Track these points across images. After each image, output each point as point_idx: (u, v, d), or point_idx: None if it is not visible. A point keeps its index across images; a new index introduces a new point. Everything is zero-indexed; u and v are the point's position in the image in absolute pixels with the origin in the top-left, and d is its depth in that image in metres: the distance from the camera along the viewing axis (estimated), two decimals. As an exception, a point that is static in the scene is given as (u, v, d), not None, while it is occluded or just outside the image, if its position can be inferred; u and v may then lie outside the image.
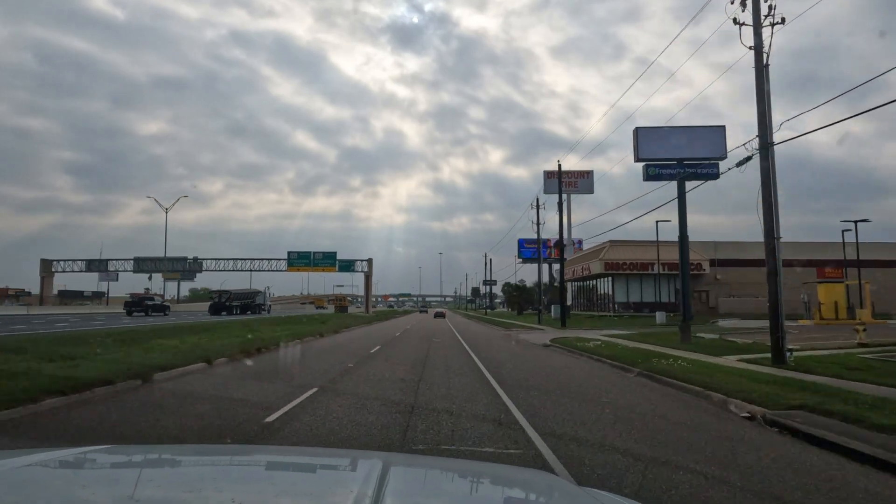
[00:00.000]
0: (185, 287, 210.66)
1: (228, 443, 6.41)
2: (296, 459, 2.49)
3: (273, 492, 1.76)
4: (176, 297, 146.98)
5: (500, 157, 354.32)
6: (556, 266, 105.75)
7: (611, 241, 49.33)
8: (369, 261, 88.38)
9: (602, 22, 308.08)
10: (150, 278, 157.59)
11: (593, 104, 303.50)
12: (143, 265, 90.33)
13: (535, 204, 55.40)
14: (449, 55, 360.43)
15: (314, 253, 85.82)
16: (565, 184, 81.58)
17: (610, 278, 47.92)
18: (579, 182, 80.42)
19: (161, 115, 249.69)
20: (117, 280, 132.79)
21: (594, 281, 53.54)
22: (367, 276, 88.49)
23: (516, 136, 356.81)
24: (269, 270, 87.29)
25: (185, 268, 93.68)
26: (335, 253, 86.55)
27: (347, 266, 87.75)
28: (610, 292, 48.54)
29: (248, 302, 67.27)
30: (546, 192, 78.27)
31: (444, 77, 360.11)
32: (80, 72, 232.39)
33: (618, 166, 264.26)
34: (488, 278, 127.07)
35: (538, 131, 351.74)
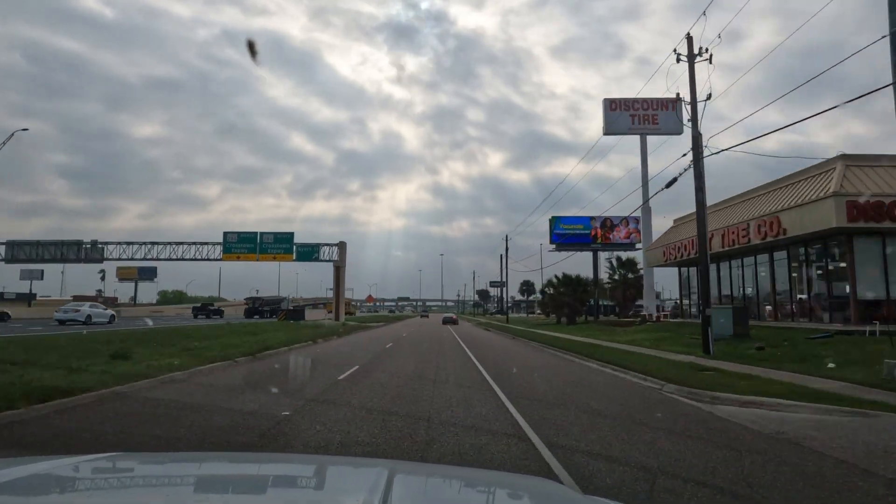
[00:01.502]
0: (149, 290, 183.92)
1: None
2: (302, 467, 2.47)
3: (280, 500, 1.79)
4: (133, 300, 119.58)
5: (499, 160, 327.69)
6: (607, 255, 76.71)
7: (843, 157, 21.19)
8: (340, 245, 60.54)
9: (602, 20, 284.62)
10: (102, 278, 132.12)
11: (595, 106, 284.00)
12: (18, 252, 62.27)
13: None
14: (446, 55, 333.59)
15: (262, 235, 58.18)
16: (639, 119, 53.75)
17: (849, 242, 20.02)
18: (660, 116, 52.71)
19: (155, 117, 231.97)
20: (42, 279, 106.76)
21: (788, 250, 24.98)
22: (338, 268, 60.51)
23: (516, 138, 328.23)
24: (197, 259, 59.54)
25: (78, 254, 65.49)
26: (291, 234, 58.89)
27: (309, 253, 60.03)
28: (846, 276, 20.65)
29: (275, 307, 73.84)
30: (608, 131, 50.67)
31: (442, 78, 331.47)
32: (72, 73, 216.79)
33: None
34: (503, 277, 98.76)
35: (538, 133, 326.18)
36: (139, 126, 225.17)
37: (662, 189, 19.46)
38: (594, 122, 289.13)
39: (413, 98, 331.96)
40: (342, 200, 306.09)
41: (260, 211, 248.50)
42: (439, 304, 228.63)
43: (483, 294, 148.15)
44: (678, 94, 18.63)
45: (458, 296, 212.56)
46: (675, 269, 39.10)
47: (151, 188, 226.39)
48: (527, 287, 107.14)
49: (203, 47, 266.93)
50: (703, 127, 17.88)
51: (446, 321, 71.66)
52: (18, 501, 1.54)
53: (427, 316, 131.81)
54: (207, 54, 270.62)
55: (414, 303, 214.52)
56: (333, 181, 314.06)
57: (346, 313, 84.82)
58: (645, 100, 49.77)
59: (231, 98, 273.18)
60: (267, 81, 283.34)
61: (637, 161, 52.90)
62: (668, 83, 69.22)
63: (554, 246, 68.63)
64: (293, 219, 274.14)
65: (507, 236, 69.33)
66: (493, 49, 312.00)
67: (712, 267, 27.90)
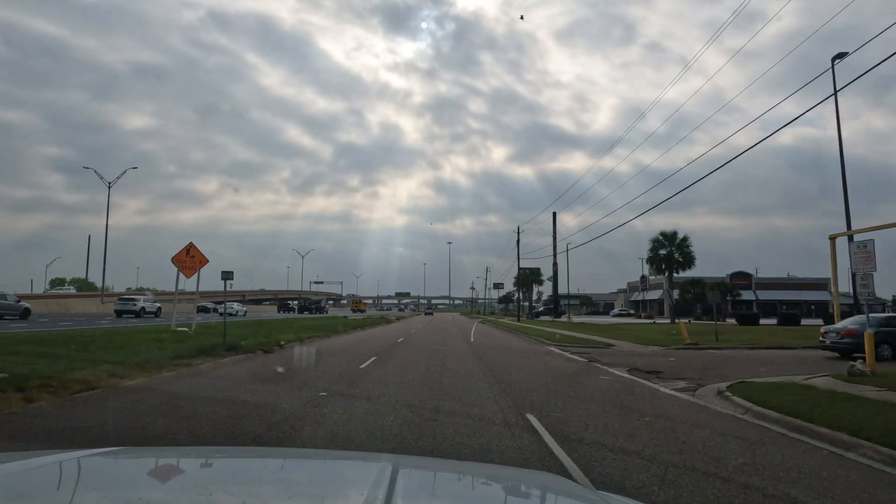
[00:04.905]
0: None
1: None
2: (306, 461, 2.43)
3: (283, 494, 1.75)
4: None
5: (502, 155, 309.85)
6: None
7: None
8: None
9: (610, 1, 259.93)
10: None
11: (602, 95, 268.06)
12: None
13: None
14: (444, 39, 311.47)
15: None
16: None
17: None
18: None
19: (144, 107, 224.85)
20: None
21: None
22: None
23: (520, 131, 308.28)
24: None
25: None
26: None
27: None
28: None
29: (317, 305, 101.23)
30: None
31: (441, 65, 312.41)
32: (53, 59, 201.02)
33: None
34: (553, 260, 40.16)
35: (543, 126, 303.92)
36: (129, 117, 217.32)
37: None
38: (602, 113, 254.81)
39: (411, 87, 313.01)
40: (343, 197, 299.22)
41: (259, 207, 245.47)
42: (446, 301, 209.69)
43: (526, 281, 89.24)
44: None
45: (473, 289, 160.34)
46: None
47: (147, 183, 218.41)
48: (661, 257, 47.56)
49: (188, 31, 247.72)
50: None
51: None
52: (21, 497, 1.52)
53: (431, 314, 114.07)
54: (194, 39, 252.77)
55: (417, 300, 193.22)
56: (333, 176, 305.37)
57: (357, 309, 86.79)
58: None
59: (222, 87, 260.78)
60: (259, 69, 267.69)
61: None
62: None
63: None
64: (293, 215, 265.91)
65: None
66: (494, 33, 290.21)
67: None
